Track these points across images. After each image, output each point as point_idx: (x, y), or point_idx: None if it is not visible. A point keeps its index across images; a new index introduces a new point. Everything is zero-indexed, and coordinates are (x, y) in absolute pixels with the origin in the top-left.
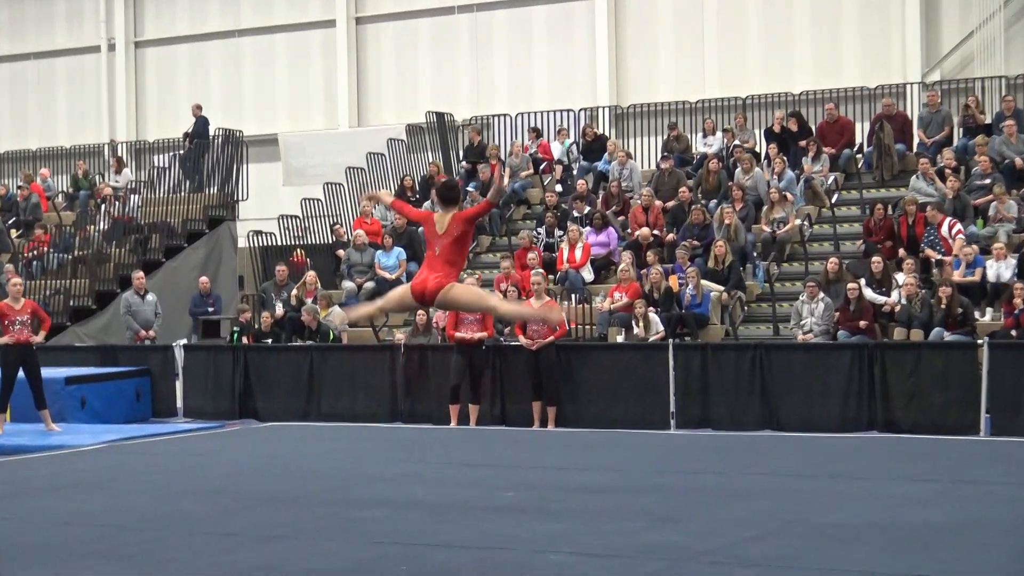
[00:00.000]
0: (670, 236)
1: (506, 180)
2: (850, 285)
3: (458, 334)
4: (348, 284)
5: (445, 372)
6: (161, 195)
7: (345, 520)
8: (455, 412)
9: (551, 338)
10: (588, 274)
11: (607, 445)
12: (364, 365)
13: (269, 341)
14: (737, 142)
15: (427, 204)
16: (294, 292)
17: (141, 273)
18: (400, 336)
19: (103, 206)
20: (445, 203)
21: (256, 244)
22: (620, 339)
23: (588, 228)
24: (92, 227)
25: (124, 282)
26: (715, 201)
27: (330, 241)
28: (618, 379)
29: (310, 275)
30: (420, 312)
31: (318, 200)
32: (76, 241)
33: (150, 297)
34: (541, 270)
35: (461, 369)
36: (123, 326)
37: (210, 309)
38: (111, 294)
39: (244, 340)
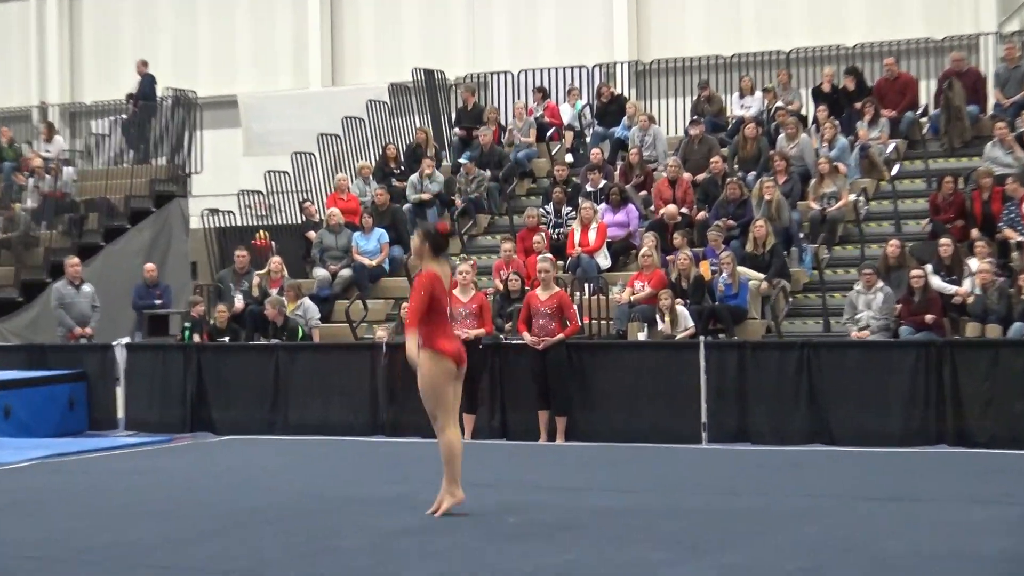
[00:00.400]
0: (701, 215)
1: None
2: (914, 272)
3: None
4: (320, 272)
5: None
6: (100, 167)
7: (318, 551)
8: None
9: (561, 336)
10: (604, 260)
11: (626, 462)
12: (340, 368)
13: (227, 339)
14: (780, 104)
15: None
16: (256, 281)
17: (76, 259)
18: (382, 333)
19: (31, 180)
20: (437, 252)
21: (212, 225)
22: (642, 336)
23: (604, 205)
24: (18, 205)
25: (56, 270)
26: (754, 173)
27: (299, 221)
28: (639, 384)
29: (275, 261)
30: (404, 305)
31: (285, 173)
32: None
33: (87, 288)
34: (549, 255)
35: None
36: (54, 322)
37: (157, 302)
38: (40, 284)
39: (197, 338)
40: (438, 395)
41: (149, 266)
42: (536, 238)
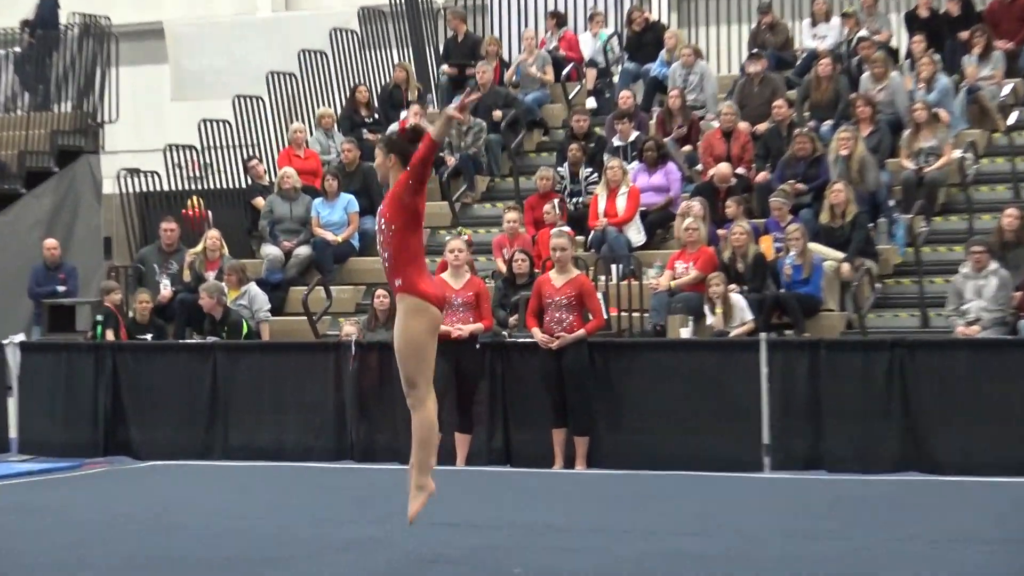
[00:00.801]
0: (762, 176)
1: (462, 110)
2: None
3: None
4: (271, 250)
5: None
6: None
7: None
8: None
9: (581, 332)
10: (637, 234)
11: (666, 496)
12: (296, 374)
13: (149, 337)
14: (863, 33)
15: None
16: (188, 262)
17: None
18: (350, 329)
19: None
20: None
21: (131, 190)
22: (686, 333)
23: (636, 164)
24: None
25: None
26: (830, 123)
27: (243, 185)
28: (683, 395)
29: (212, 236)
30: (380, 293)
31: (225, 122)
32: None
33: None
34: (566, 228)
35: (443, 380)
36: None
37: (60, 288)
38: None
39: (112, 336)
40: (423, 354)
41: (50, 242)
42: (548, 207)
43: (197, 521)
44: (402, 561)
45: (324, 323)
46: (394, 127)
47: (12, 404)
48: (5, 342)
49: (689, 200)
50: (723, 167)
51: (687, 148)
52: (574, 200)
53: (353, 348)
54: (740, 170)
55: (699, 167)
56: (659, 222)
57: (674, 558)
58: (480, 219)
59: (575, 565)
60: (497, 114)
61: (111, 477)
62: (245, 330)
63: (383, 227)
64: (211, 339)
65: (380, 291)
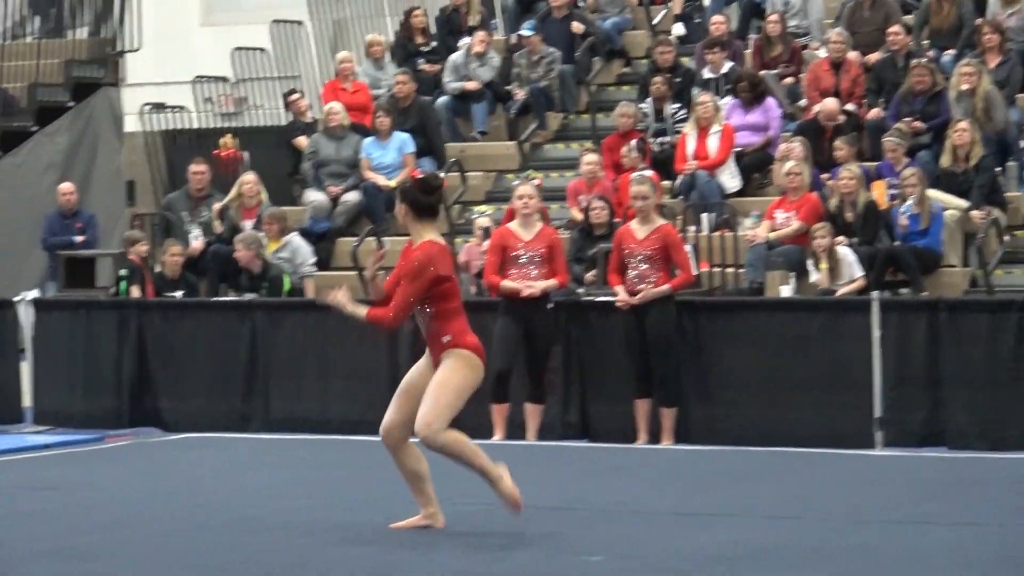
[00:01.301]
0: (874, 113)
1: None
2: None
3: (506, 283)
4: (315, 196)
5: (485, 346)
6: None
7: None
8: (501, 417)
9: (666, 288)
10: (731, 179)
11: (762, 475)
12: (345, 336)
13: (179, 294)
14: None
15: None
16: (217, 208)
17: None
18: None
19: None
20: (424, 213)
21: (156, 127)
22: (787, 291)
23: (730, 100)
24: None
25: None
26: (952, 52)
27: (283, 122)
28: (784, 361)
29: (249, 180)
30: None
31: (261, 51)
32: None
33: None
34: (648, 172)
35: (512, 344)
36: None
37: (78, 239)
38: None
39: (137, 292)
40: (458, 404)
41: (65, 187)
42: (627, 148)
43: (231, 501)
44: (467, 546)
45: (377, 278)
46: (405, 174)
47: (26, 369)
48: (17, 299)
49: (790, 140)
50: (830, 103)
51: (788, 81)
52: (659, 140)
53: None
54: (849, 106)
55: (802, 103)
56: (756, 165)
57: (770, 546)
58: (552, 161)
59: (659, 552)
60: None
61: (137, 451)
62: (287, 286)
63: None
64: (249, 296)
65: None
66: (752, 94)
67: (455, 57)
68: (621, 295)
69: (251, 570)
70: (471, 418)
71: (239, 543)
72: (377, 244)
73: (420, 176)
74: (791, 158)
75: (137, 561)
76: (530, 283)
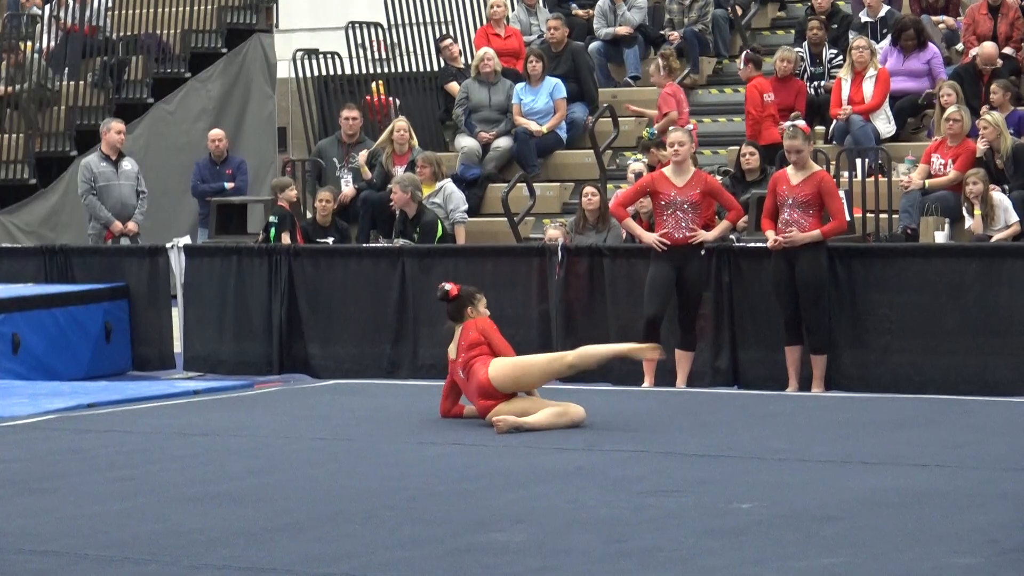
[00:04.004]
0: None
1: None
2: None
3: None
4: (466, 142)
5: (635, 294)
6: None
7: (469, 547)
8: (651, 364)
9: (817, 233)
10: (886, 124)
11: (914, 423)
12: (495, 283)
13: (331, 241)
14: None
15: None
16: (364, 154)
17: (116, 124)
18: (555, 233)
19: (47, 8)
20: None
21: (308, 73)
22: (941, 238)
23: (886, 44)
24: (27, 46)
25: (85, 139)
26: None
27: (435, 68)
28: (938, 308)
29: (400, 126)
30: (589, 191)
31: None
32: None
33: (128, 165)
34: (801, 121)
35: (664, 290)
36: (82, 214)
37: (228, 185)
38: (62, 159)
39: (288, 239)
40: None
41: (216, 133)
42: (790, 130)
43: (389, 449)
44: (614, 491)
45: (526, 225)
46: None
47: (176, 315)
48: (168, 246)
49: (944, 85)
50: (988, 47)
51: (945, 24)
52: (815, 85)
53: (559, 254)
54: (1008, 50)
55: (959, 47)
56: (911, 110)
57: (922, 493)
58: (707, 106)
59: (808, 499)
60: None
61: (287, 397)
62: (439, 233)
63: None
64: (400, 242)
65: (589, 188)
66: (916, 42)
67: (602, 3)
68: (772, 238)
69: (393, 517)
70: (621, 364)
71: (386, 488)
72: (528, 191)
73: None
74: (948, 103)
75: (288, 507)
76: (680, 230)
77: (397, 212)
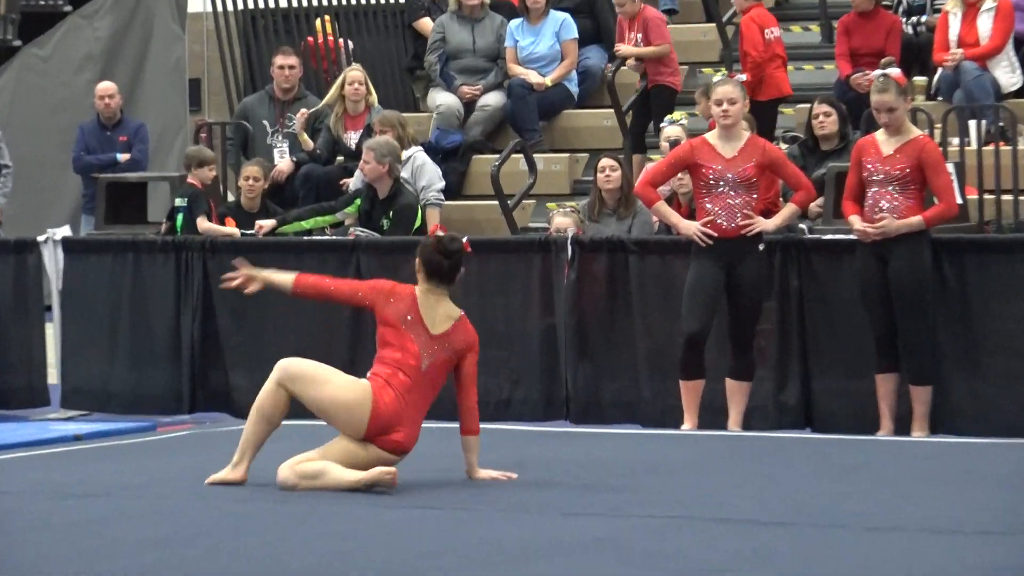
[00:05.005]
0: None
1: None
2: None
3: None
4: (443, 98)
5: (671, 304)
6: None
7: None
8: (692, 398)
9: (917, 219)
10: (1009, 74)
11: None
12: (482, 287)
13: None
14: None
15: None
16: (303, 115)
17: None
18: (563, 220)
19: None
20: (435, 278)
21: (230, 7)
22: None
23: None
24: None
25: None
26: None
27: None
28: None
29: (354, 76)
30: (607, 165)
31: None
32: None
33: None
34: (895, 68)
35: (711, 298)
36: None
37: (122, 156)
38: None
39: (205, 223)
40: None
41: (106, 87)
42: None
43: (330, 509)
44: (645, 570)
45: (524, 210)
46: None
47: (51, 332)
48: (41, 239)
49: None
50: None
51: None
52: (912, 21)
53: (569, 249)
54: None
55: None
56: None
57: None
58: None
59: None
60: None
61: (201, 444)
62: (418, 223)
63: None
64: (357, 232)
65: (608, 161)
66: None
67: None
68: (858, 225)
69: None
70: (652, 401)
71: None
72: (527, 164)
73: (441, 235)
74: None
75: None
76: (729, 219)
77: (360, 187)
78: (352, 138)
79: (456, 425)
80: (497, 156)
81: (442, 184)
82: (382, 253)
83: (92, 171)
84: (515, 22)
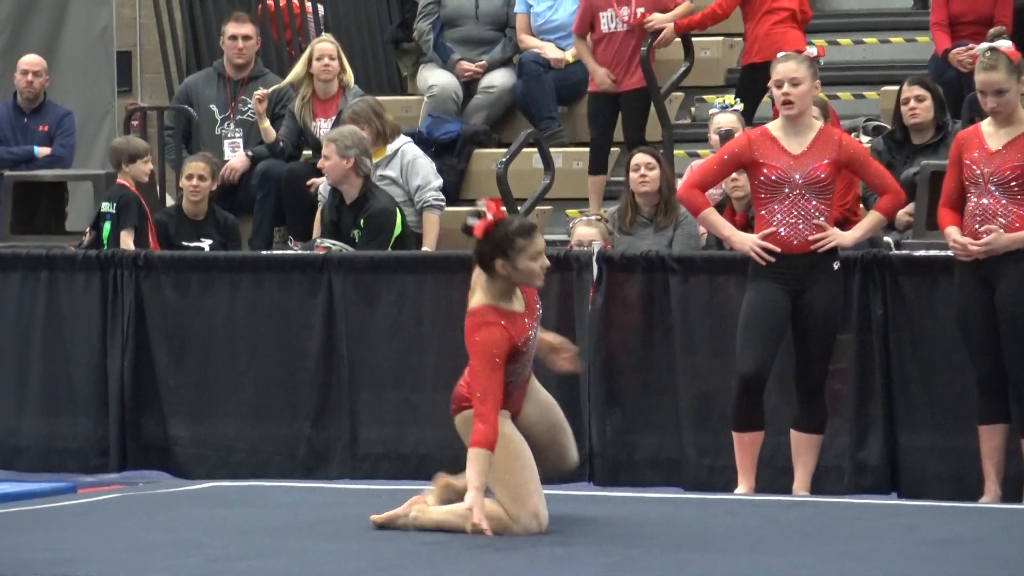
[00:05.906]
0: None
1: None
2: None
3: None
4: (437, 77)
5: (722, 335)
6: None
7: None
8: (748, 454)
9: None
10: None
11: None
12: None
13: (207, 245)
14: None
15: None
16: (259, 95)
17: None
18: (587, 232)
19: None
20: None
21: None
22: None
23: None
24: None
25: None
26: None
27: None
28: None
29: (324, 49)
30: (642, 162)
31: None
32: None
33: None
34: (1004, 42)
35: (772, 330)
36: None
37: (41, 151)
38: None
39: (130, 240)
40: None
41: (31, 61)
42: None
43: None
44: None
45: (539, 217)
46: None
47: None
48: None
49: None
50: None
51: None
52: None
53: (595, 267)
54: None
55: None
56: None
57: None
58: (840, 19)
59: None
60: None
61: (132, 510)
62: (398, 231)
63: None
64: (327, 245)
65: (644, 158)
66: None
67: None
68: (957, 239)
69: None
70: (698, 459)
71: None
72: (543, 161)
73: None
74: None
75: None
76: (796, 230)
77: (325, 192)
78: (322, 126)
79: None
80: (504, 150)
81: (440, 182)
82: (358, 271)
83: (1, 168)
84: None
